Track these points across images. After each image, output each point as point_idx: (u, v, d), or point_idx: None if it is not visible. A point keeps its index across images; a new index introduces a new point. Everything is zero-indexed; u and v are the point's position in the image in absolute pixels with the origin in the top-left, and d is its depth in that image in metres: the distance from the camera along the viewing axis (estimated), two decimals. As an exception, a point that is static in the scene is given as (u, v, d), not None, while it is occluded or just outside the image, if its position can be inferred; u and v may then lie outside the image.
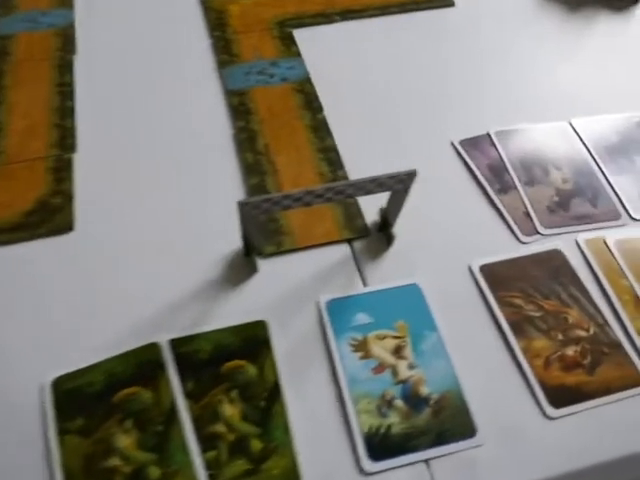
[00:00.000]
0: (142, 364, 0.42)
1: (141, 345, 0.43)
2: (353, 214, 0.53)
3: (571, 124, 0.61)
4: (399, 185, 0.44)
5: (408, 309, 0.46)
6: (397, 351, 0.44)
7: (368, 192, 0.44)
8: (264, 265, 0.49)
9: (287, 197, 0.41)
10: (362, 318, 0.46)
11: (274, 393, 0.42)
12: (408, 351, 0.44)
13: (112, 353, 0.43)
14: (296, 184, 0.55)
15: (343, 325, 0.45)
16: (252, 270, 0.48)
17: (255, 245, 0.48)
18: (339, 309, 0.46)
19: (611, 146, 0.59)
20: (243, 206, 0.41)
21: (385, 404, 0.42)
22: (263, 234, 0.50)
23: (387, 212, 0.49)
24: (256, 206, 0.41)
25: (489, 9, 0.74)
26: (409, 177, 0.43)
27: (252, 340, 0.44)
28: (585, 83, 0.66)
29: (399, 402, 0.42)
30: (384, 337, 0.45)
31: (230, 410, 0.41)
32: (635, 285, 0.48)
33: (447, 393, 0.42)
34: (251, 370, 0.43)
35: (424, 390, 0.42)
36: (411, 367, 0.43)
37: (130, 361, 0.42)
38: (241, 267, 0.48)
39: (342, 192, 0.43)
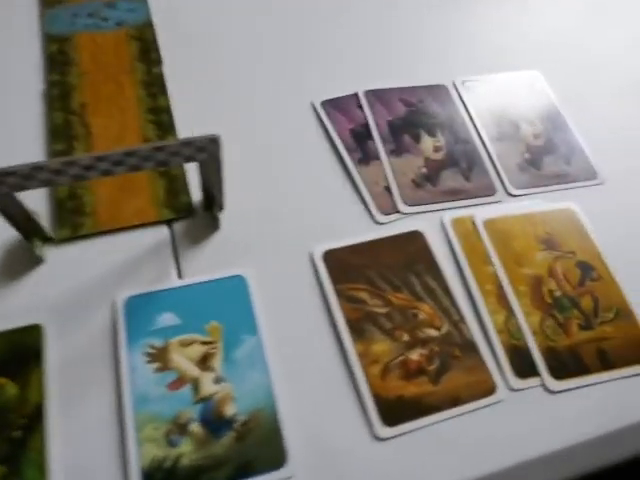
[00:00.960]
0: None
1: None
2: (177, 189, 0.43)
3: (454, 83, 0.53)
4: (203, 154, 0.35)
5: (227, 307, 0.38)
6: (204, 361, 0.36)
7: (161, 163, 0.34)
8: (54, 254, 0.39)
9: (39, 169, 0.31)
10: (168, 319, 0.37)
11: (35, 420, 0.33)
12: (217, 360, 0.36)
13: None
14: (114, 152, 0.45)
15: (142, 329, 0.37)
16: (35, 260, 0.39)
17: (35, 229, 0.38)
18: (140, 308, 0.37)
19: (495, 109, 0.52)
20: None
21: (177, 429, 0.33)
22: (58, 214, 0.40)
23: (207, 187, 0.40)
24: (-7, 181, 0.31)
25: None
26: (212, 143, 0.34)
27: (19, 351, 0.35)
28: (478, 37, 0.58)
29: (196, 426, 0.34)
30: (190, 343, 0.36)
31: (-29, 445, 0.32)
32: (500, 272, 0.41)
33: (258, 413, 0.34)
34: (10, 390, 0.34)
35: (230, 409, 0.34)
36: (218, 381, 0.35)
37: None
38: (21, 257, 0.39)
39: (121, 163, 0.33)
